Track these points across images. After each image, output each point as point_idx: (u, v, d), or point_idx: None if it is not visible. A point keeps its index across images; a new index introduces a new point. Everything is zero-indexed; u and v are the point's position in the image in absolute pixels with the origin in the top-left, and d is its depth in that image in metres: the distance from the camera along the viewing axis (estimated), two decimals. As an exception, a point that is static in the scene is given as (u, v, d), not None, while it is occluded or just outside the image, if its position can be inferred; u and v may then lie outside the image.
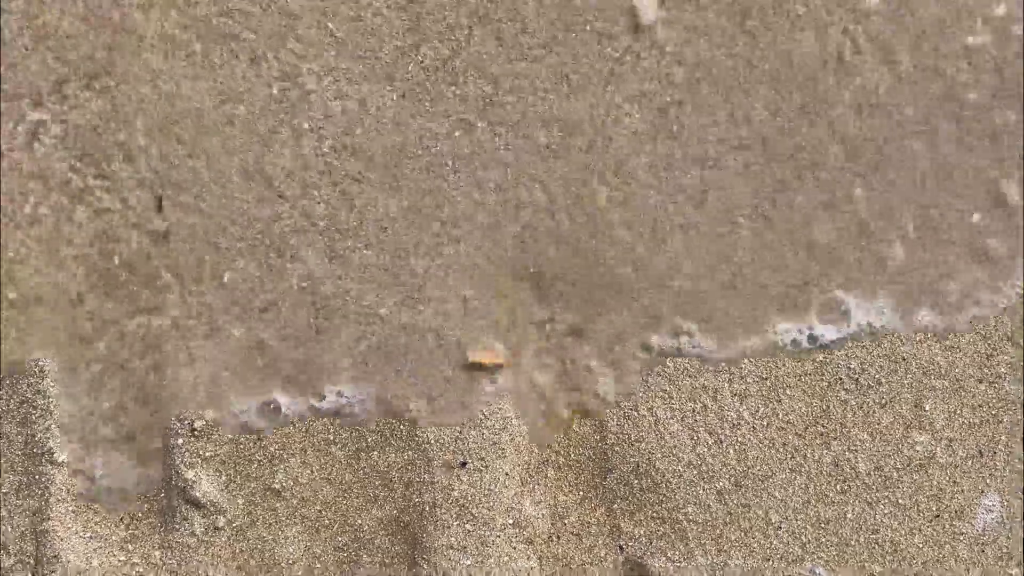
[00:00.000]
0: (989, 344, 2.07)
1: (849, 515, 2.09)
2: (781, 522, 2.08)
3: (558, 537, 2.08)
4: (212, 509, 2.04)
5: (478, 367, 2.05)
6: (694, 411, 2.08)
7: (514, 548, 2.06)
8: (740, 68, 2.03)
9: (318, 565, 2.06)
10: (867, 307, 2.07)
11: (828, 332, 2.08)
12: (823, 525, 2.09)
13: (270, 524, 2.07)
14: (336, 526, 2.08)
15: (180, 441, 2.02)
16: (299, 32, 2.06)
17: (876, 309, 2.07)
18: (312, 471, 2.06)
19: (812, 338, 2.08)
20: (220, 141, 2.05)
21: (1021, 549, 2.09)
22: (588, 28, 2.06)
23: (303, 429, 2.05)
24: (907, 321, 2.08)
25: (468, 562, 2.04)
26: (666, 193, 2.06)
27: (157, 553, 2.03)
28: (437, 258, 2.07)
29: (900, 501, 2.09)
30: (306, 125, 2.06)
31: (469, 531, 2.04)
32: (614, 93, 2.04)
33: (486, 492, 2.05)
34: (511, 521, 2.05)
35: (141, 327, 2.05)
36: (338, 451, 2.07)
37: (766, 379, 2.07)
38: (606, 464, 2.08)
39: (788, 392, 2.07)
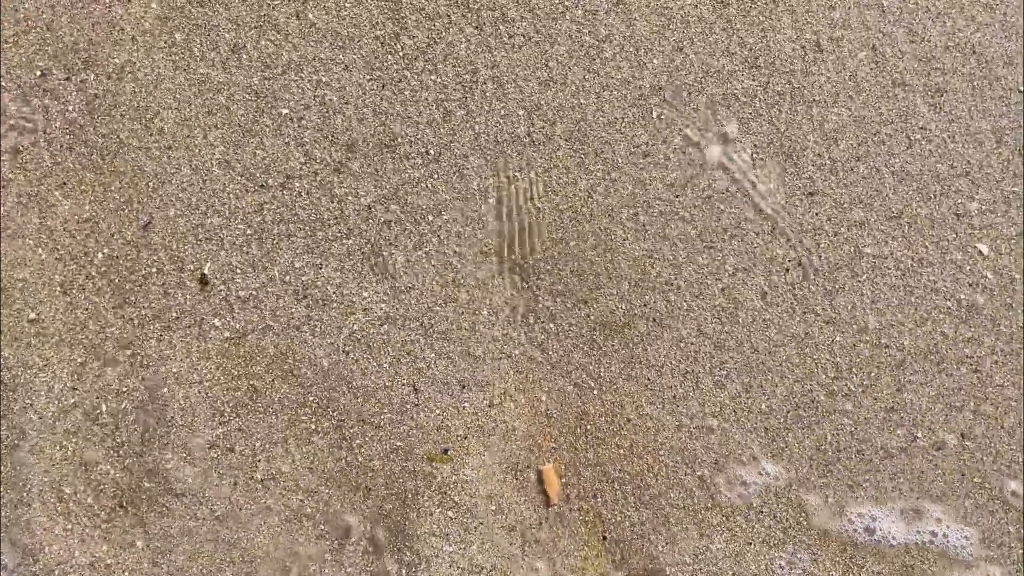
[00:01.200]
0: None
1: (830, 499, 2.10)
2: (762, 505, 2.08)
3: (541, 524, 2.08)
4: (194, 499, 2.04)
5: (539, 475, 2.06)
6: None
7: (496, 535, 2.05)
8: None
9: (300, 553, 2.05)
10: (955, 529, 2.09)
11: (898, 530, 2.09)
12: (804, 508, 2.09)
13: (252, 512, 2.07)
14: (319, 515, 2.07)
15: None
16: (279, 22, 2.07)
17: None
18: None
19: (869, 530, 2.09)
20: (201, 131, 2.05)
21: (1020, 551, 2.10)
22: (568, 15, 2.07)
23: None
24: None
25: (451, 549, 2.03)
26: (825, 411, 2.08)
27: (139, 543, 2.02)
28: (418, 248, 2.08)
29: (881, 485, 2.10)
30: (285, 111, 2.06)
31: (451, 518, 2.04)
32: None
33: (468, 479, 2.05)
34: (494, 508, 2.05)
35: (121, 319, 2.05)
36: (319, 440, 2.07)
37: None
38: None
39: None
